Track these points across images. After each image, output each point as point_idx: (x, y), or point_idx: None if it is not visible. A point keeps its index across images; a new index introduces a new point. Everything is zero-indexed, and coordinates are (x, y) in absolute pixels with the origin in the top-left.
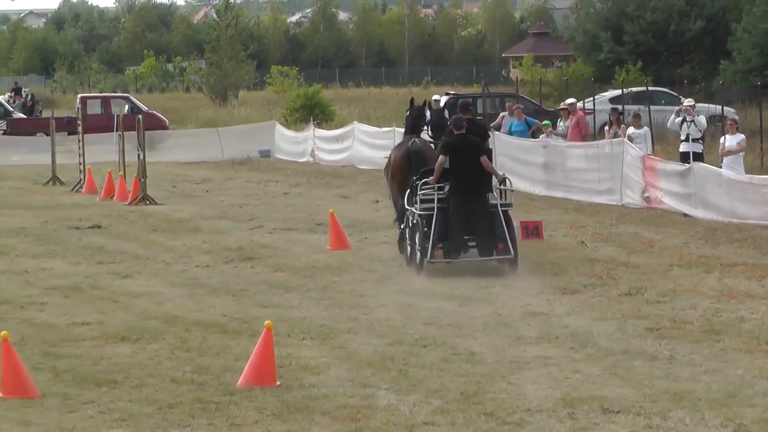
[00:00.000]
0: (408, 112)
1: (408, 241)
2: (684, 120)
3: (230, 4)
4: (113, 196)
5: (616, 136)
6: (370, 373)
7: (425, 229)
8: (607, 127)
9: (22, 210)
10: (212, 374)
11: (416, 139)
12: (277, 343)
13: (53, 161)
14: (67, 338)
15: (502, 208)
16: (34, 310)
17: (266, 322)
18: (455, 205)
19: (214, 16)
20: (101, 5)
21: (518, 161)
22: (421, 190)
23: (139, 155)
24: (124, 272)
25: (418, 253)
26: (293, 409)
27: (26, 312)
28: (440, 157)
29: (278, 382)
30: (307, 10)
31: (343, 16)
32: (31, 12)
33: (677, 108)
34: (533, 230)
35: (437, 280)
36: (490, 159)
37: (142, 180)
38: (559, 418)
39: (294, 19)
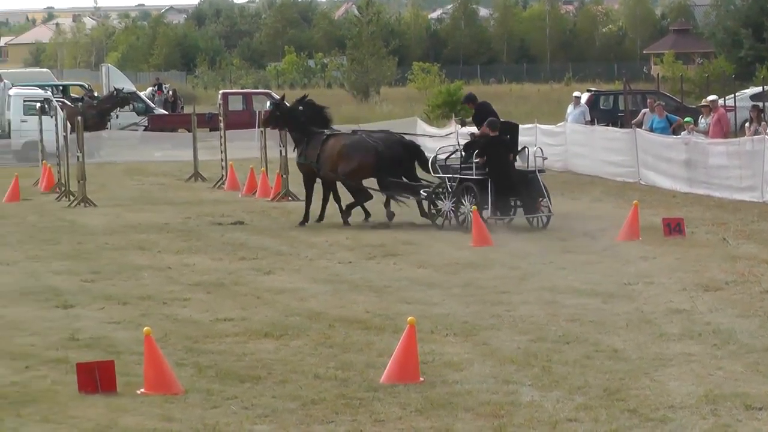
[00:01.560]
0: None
1: (450, 205)
2: None
3: (372, 1)
4: (255, 192)
5: (756, 133)
6: (513, 369)
7: (479, 193)
8: (747, 124)
9: (165, 206)
10: (355, 370)
11: (363, 136)
12: (420, 340)
13: (195, 157)
14: (210, 334)
15: (539, 172)
16: (176, 306)
17: (409, 319)
18: (496, 179)
19: (356, 12)
20: (242, 1)
21: (660, 158)
22: (471, 159)
23: (281, 151)
24: (267, 268)
25: (469, 213)
26: (436, 405)
27: (169, 308)
28: (480, 159)
29: (421, 378)
30: (448, 6)
31: (483, 12)
32: (171, 8)
33: None
34: (675, 227)
35: (579, 277)
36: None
37: (284, 176)
38: (701, 414)
39: (435, 15)
